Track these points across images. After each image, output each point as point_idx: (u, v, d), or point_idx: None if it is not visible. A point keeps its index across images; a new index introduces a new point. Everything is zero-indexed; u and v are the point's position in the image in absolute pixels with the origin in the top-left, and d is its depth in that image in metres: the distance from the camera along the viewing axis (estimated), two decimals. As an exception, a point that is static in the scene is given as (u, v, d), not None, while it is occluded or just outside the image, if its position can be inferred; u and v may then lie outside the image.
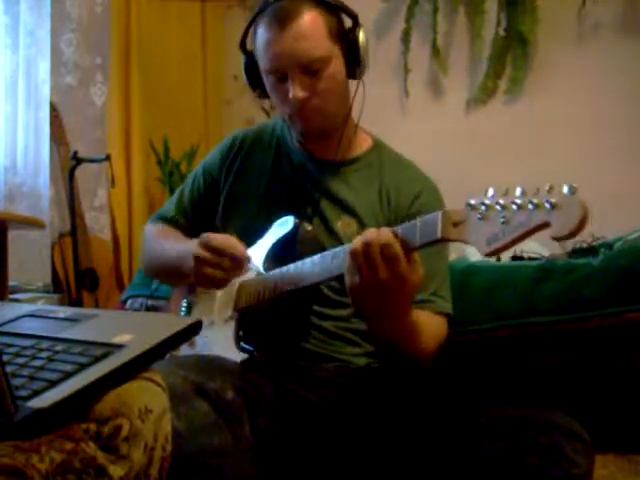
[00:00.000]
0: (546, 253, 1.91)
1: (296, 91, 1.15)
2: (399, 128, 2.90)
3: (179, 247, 1.27)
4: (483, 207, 0.84)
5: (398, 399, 1.09)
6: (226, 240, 1.13)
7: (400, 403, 1.08)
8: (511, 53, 2.88)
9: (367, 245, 0.93)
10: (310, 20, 1.14)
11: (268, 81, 1.22)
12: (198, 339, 1.22)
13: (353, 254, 0.95)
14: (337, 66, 1.18)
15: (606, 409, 1.54)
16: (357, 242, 0.95)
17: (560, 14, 2.79)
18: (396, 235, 0.94)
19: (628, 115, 2.65)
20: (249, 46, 1.24)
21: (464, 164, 2.83)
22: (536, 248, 1.88)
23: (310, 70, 1.15)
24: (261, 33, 1.18)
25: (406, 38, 3.06)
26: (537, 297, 1.56)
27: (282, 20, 1.14)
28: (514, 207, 0.80)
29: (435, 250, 1.15)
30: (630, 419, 1.54)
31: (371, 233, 0.94)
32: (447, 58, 3.04)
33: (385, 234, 0.94)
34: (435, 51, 3.02)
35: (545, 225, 0.78)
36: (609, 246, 1.76)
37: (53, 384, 0.58)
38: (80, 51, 3.08)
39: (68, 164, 2.64)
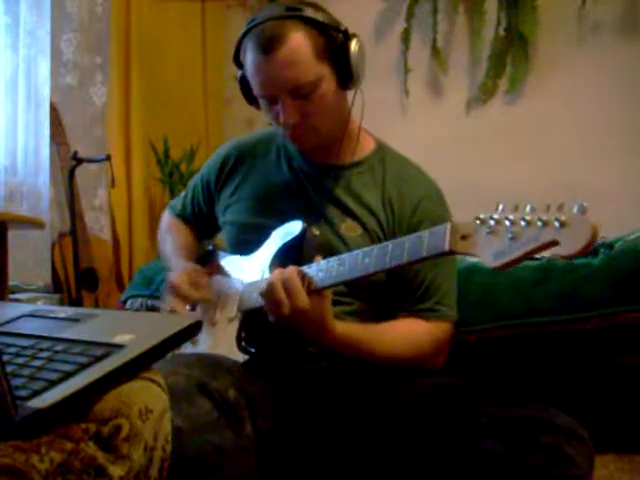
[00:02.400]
0: (546, 253, 1.90)
1: (287, 117, 1.15)
2: (399, 128, 2.90)
3: (170, 255, 1.41)
4: (492, 222, 0.84)
5: (399, 399, 1.09)
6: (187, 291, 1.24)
7: (401, 404, 1.08)
8: (511, 53, 2.88)
9: (270, 284, 1.03)
10: (296, 45, 1.11)
11: (260, 102, 1.21)
12: (200, 338, 1.22)
13: (262, 296, 1.06)
14: (328, 86, 1.16)
15: (606, 409, 1.54)
16: (263, 284, 1.06)
17: (560, 14, 2.79)
18: (299, 273, 1.03)
19: (628, 115, 2.65)
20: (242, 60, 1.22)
21: (464, 164, 2.83)
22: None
23: (299, 94, 1.14)
24: (249, 56, 1.16)
25: (406, 38, 3.07)
26: (537, 297, 1.56)
27: (267, 47, 1.11)
28: (523, 223, 0.81)
29: (441, 261, 1.18)
30: (630, 419, 1.54)
31: (275, 273, 1.04)
32: (447, 58, 3.04)
33: (289, 271, 1.03)
34: (435, 51, 3.02)
35: (554, 243, 0.78)
36: (609, 246, 1.75)
37: (53, 384, 0.58)
38: (80, 51, 3.08)
39: (68, 164, 2.64)
